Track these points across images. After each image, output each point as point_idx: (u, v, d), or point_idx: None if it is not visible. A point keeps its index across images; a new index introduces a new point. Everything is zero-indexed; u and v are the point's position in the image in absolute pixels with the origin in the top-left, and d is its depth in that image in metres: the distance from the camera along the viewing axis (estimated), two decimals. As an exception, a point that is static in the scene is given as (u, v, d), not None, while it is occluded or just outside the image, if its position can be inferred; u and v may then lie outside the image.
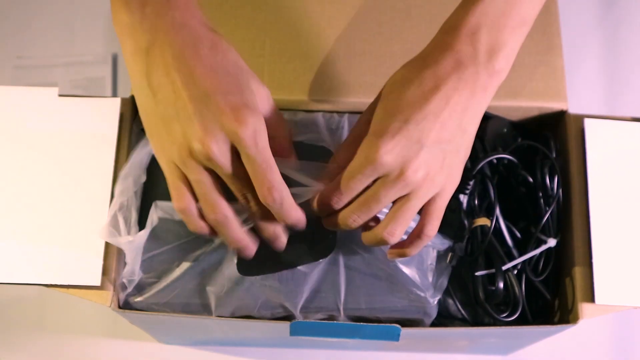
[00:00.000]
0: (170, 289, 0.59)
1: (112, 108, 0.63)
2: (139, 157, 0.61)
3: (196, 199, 0.52)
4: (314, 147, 0.63)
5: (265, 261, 0.58)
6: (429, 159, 0.50)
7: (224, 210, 0.52)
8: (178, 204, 0.52)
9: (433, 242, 0.60)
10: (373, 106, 0.53)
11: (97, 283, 0.58)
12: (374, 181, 0.51)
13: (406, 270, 0.59)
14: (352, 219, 0.53)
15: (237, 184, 0.51)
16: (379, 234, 0.52)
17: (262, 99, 0.52)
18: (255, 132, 0.48)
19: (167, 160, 0.51)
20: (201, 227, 0.53)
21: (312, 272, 0.58)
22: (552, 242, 0.63)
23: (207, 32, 0.51)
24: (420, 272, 0.59)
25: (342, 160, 0.53)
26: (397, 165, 0.50)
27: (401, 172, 0.50)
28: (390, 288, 0.59)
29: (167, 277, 0.59)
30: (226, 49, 0.51)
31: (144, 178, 0.60)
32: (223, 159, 0.49)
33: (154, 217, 0.58)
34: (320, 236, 0.59)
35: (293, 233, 0.55)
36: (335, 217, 0.54)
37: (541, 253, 0.63)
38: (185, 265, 0.59)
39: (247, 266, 0.58)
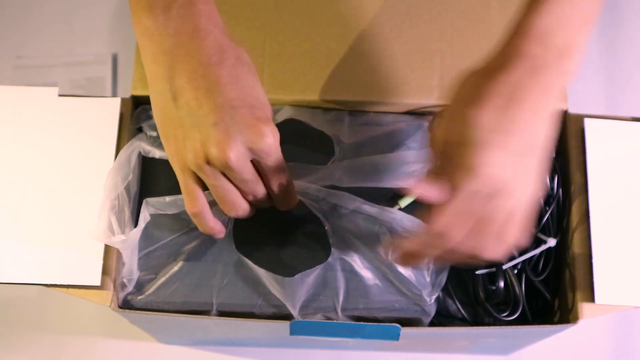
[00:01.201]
0: (169, 284, 0.59)
1: (112, 108, 0.64)
2: (126, 156, 0.61)
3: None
4: (316, 131, 0.64)
5: (260, 234, 0.60)
6: (517, 166, 0.49)
7: (244, 206, 0.54)
8: (192, 208, 0.54)
9: None
10: (449, 116, 0.52)
11: (97, 283, 0.58)
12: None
13: (402, 269, 0.59)
14: (477, 247, 0.50)
15: (249, 186, 0.53)
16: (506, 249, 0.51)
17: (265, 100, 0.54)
18: (276, 144, 0.51)
19: (182, 165, 0.52)
20: (212, 227, 0.55)
21: (309, 277, 0.59)
22: (552, 242, 0.63)
23: (230, 43, 0.52)
24: (417, 270, 0.59)
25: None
26: (494, 177, 0.49)
27: (496, 183, 0.49)
28: (387, 288, 0.59)
29: (165, 273, 0.60)
30: (248, 61, 0.52)
31: (131, 176, 0.60)
32: (240, 167, 0.50)
33: (145, 214, 0.59)
34: (316, 242, 0.60)
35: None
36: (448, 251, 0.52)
37: (541, 253, 0.63)
38: (181, 259, 0.60)
39: (243, 241, 0.60)
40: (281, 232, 0.60)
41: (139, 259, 0.59)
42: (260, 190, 0.54)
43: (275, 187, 0.55)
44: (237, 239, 0.60)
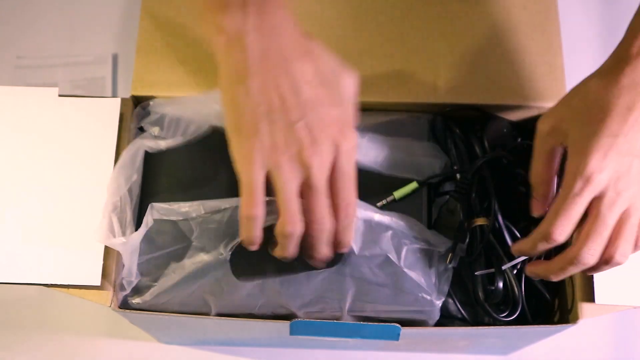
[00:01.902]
0: (167, 293, 0.59)
1: (112, 108, 0.63)
2: (130, 157, 0.61)
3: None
4: None
5: (262, 265, 0.58)
6: (636, 172, 0.51)
7: (300, 226, 0.51)
8: (250, 211, 0.51)
9: (435, 244, 0.60)
10: (560, 114, 0.54)
11: (97, 283, 0.58)
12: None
13: (412, 274, 0.58)
14: (590, 253, 0.52)
15: (319, 198, 0.51)
16: (619, 260, 0.52)
17: (349, 101, 0.53)
18: (354, 147, 0.51)
19: (253, 161, 0.50)
20: (256, 237, 0.52)
21: (315, 277, 0.58)
22: None
23: (306, 38, 0.52)
24: (426, 274, 0.59)
25: (540, 172, 0.56)
26: (612, 181, 0.50)
27: (617, 187, 0.50)
28: (397, 294, 0.59)
29: (164, 281, 0.59)
30: (324, 54, 0.52)
31: (135, 177, 0.60)
32: (319, 164, 0.50)
33: (149, 218, 0.58)
34: None
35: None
36: (560, 260, 0.53)
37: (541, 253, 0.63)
38: (182, 270, 0.58)
39: (242, 270, 0.58)
40: None
41: (140, 263, 0.59)
42: (324, 208, 0.51)
43: (344, 204, 0.52)
44: (238, 249, 0.58)
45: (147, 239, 0.59)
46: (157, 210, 0.58)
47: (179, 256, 0.59)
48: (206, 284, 0.59)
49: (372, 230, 0.58)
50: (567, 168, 0.52)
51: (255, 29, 0.50)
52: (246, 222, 0.51)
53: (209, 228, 0.57)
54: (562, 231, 0.52)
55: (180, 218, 0.58)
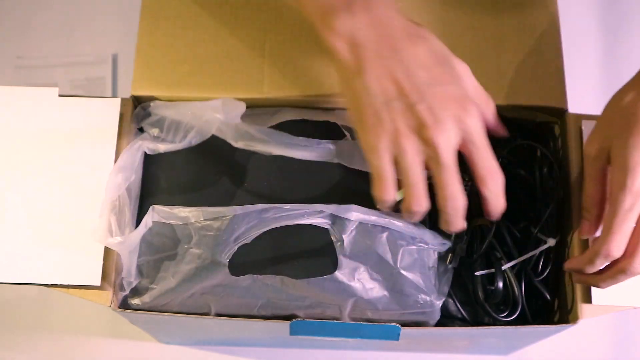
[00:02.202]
0: (166, 296, 0.59)
1: (112, 108, 0.63)
2: (129, 157, 0.60)
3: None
4: (319, 123, 0.63)
5: (261, 268, 0.58)
6: None
7: (425, 204, 0.54)
8: (383, 195, 0.54)
9: (433, 244, 0.60)
10: (603, 133, 0.55)
11: (97, 283, 0.58)
12: None
13: (410, 276, 0.58)
14: None
15: (450, 174, 0.52)
16: None
17: (467, 77, 0.55)
18: (478, 119, 0.52)
19: (378, 149, 0.52)
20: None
21: (314, 282, 0.57)
22: (551, 242, 0.63)
23: (413, 24, 0.54)
24: (424, 276, 0.59)
25: (593, 194, 0.57)
26: None
27: None
28: (396, 297, 0.58)
29: (163, 285, 0.59)
30: (433, 38, 0.54)
31: (133, 177, 0.60)
32: (446, 147, 0.51)
33: (148, 220, 0.58)
34: (322, 254, 0.58)
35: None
36: (613, 270, 0.55)
37: (541, 253, 0.63)
38: (180, 274, 0.58)
39: (241, 268, 0.58)
40: (286, 243, 0.58)
41: (139, 264, 0.59)
42: (456, 185, 0.53)
43: (485, 174, 0.53)
44: (238, 253, 0.58)
45: (147, 241, 0.59)
46: (157, 213, 0.58)
47: (177, 260, 0.58)
48: (205, 288, 0.58)
49: (368, 232, 0.58)
50: (613, 183, 0.53)
51: (364, 26, 0.53)
52: (381, 206, 0.55)
53: (207, 235, 0.57)
54: (619, 247, 0.53)
55: (180, 222, 0.58)
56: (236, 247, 0.57)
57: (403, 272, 0.58)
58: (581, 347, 0.81)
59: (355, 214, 0.57)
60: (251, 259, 0.58)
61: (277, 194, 0.61)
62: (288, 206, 0.56)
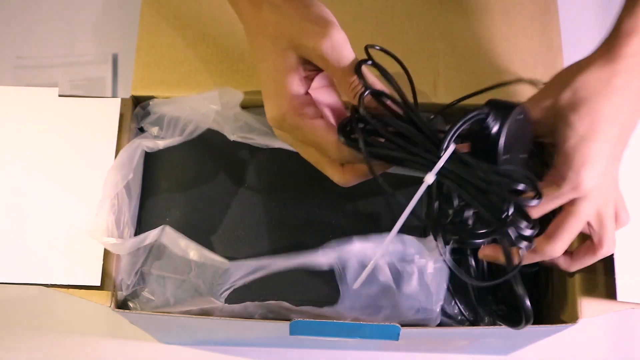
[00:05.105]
0: (164, 310, 0.59)
1: (112, 108, 0.64)
2: (127, 155, 0.60)
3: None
4: None
5: (258, 290, 0.58)
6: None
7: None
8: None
9: (428, 254, 0.59)
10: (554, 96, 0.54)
11: (97, 283, 0.58)
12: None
13: (412, 294, 0.58)
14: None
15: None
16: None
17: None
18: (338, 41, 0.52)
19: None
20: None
21: (316, 310, 0.58)
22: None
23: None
24: (422, 282, 0.58)
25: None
26: (596, 187, 0.52)
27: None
28: (396, 312, 0.58)
29: (162, 300, 0.59)
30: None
31: (131, 175, 0.60)
32: (334, 55, 0.51)
33: (154, 234, 0.58)
34: (323, 283, 0.58)
35: None
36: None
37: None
38: (179, 298, 0.59)
39: (239, 298, 0.58)
40: (286, 275, 0.58)
41: (143, 272, 0.59)
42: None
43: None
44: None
45: (153, 255, 0.59)
46: (166, 234, 0.58)
47: (177, 285, 0.59)
48: (202, 310, 0.59)
49: (368, 260, 0.57)
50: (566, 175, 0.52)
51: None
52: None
53: (206, 272, 0.57)
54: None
55: (180, 254, 0.58)
56: (232, 289, 0.57)
57: (404, 293, 0.58)
58: (581, 347, 0.81)
59: (351, 247, 0.56)
60: (249, 290, 0.58)
61: (277, 189, 0.61)
62: (287, 260, 0.56)
